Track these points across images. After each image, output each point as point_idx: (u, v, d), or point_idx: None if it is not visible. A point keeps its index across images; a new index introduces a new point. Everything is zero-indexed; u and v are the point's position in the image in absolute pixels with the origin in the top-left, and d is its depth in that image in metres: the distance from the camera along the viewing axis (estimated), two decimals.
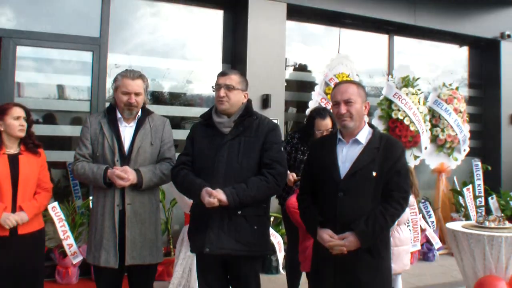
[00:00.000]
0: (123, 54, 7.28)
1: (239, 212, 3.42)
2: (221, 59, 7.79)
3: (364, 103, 3.38)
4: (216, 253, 3.42)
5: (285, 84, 7.73)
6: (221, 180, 3.42)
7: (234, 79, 3.59)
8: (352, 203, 3.23)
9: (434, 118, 8.44)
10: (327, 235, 3.25)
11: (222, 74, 3.64)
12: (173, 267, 5.82)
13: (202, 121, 3.73)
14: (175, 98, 8.05)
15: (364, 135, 3.36)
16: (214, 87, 3.62)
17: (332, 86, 7.38)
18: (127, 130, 3.83)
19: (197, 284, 5.35)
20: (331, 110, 3.46)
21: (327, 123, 5.06)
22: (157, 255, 3.83)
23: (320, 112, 5.14)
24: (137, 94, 3.78)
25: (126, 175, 3.66)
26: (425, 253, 7.90)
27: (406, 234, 4.91)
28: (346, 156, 3.33)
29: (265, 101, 7.09)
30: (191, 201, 5.40)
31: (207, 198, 3.33)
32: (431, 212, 8.26)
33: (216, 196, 3.32)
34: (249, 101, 3.70)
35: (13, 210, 3.81)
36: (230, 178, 3.43)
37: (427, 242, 7.92)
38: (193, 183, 3.47)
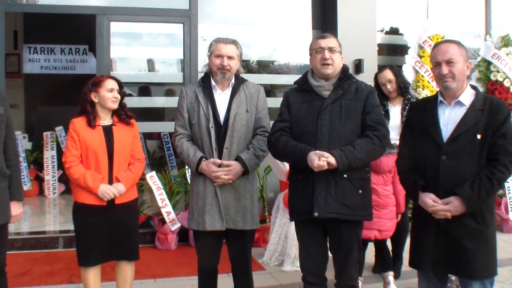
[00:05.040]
0: (211, 25, 7.35)
1: (345, 175, 3.38)
2: (311, 25, 7.69)
3: (466, 62, 3.25)
4: (325, 217, 3.38)
5: (377, 48, 7.55)
6: (326, 143, 3.38)
7: (335, 42, 3.55)
8: (455, 167, 3.12)
9: None
10: (430, 200, 3.17)
11: (322, 37, 3.58)
12: (269, 234, 5.90)
13: (297, 87, 3.69)
14: (263, 67, 8.05)
15: (467, 97, 3.24)
16: (314, 50, 3.56)
17: (426, 48, 7.17)
18: (221, 98, 3.85)
19: (293, 250, 5.45)
20: (434, 72, 3.32)
21: (384, 74, 5.26)
22: (251, 221, 3.84)
23: (380, 67, 5.53)
24: (230, 57, 3.79)
25: (228, 176, 3.70)
26: None
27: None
28: (449, 118, 3.23)
29: (358, 66, 7.00)
30: (287, 168, 5.45)
31: (316, 161, 3.28)
32: None
33: (326, 158, 3.27)
34: (344, 65, 3.64)
35: (110, 181, 3.92)
36: (334, 141, 3.39)
37: None
38: (298, 147, 3.42)
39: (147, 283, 5.15)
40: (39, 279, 5.19)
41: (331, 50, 3.50)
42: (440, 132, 3.20)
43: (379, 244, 4.96)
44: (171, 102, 7.74)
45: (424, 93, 7.04)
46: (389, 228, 4.72)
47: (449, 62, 3.19)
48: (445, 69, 3.19)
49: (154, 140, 9.86)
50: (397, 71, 5.31)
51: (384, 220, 4.63)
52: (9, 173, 3.58)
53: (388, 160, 4.56)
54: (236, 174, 3.72)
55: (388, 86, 5.20)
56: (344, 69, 3.59)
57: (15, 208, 3.65)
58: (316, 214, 3.38)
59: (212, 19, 7.50)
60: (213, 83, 3.87)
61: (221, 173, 3.69)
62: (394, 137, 5.00)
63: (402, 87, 5.21)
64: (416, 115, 3.39)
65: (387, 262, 4.97)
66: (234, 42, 3.88)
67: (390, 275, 4.90)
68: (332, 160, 3.27)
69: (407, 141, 3.43)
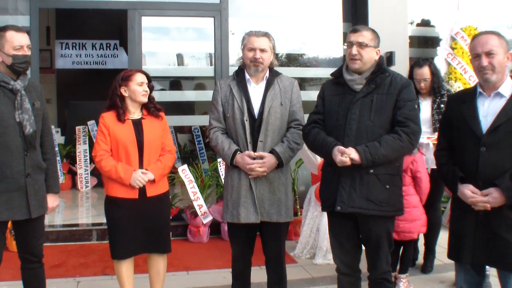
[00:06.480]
0: (240, 18, 7.35)
1: (371, 171, 3.35)
2: (342, 18, 7.64)
3: (506, 54, 3.17)
4: (347, 211, 3.39)
5: (408, 40, 7.46)
6: (353, 138, 3.36)
7: (366, 36, 3.47)
8: (495, 158, 3.07)
9: None
10: (469, 191, 3.13)
11: (354, 31, 3.53)
12: (301, 227, 5.89)
13: (332, 79, 3.67)
14: (292, 60, 8.03)
15: (507, 88, 3.16)
16: (346, 44, 3.54)
17: (459, 40, 7.06)
18: (256, 91, 3.86)
19: (325, 243, 5.44)
20: (473, 63, 3.26)
21: (422, 72, 5.10)
22: (286, 214, 3.85)
23: (418, 61, 5.23)
24: (262, 50, 3.80)
25: (262, 168, 3.72)
26: None
27: None
28: (488, 110, 3.17)
29: (389, 59, 6.92)
30: (319, 162, 5.44)
31: (339, 156, 3.28)
32: None
33: (348, 154, 3.26)
34: (381, 58, 3.58)
35: None
36: (362, 136, 3.36)
37: None
38: (325, 141, 3.43)
39: (180, 275, 5.18)
40: (74, 271, 5.29)
41: (360, 45, 3.44)
42: (479, 124, 3.15)
43: (405, 245, 4.88)
44: (201, 96, 7.80)
45: (457, 85, 6.93)
46: (406, 230, 4.63)
47: (489, 54, 3.12)
48: (484, 61, 3.13)
49: (185, 134, 9.94)
50: (435, 69, 5.18)
51: (398, 221, 4.53)
52: (46, 166, 3.66)
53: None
54: (270, 166, 3.73)
55: (422, 84, 5.10)
56: (379, 62, 3.53)
57: (52, 201, 3.73)
58: (338, 208, 3.39)
59: (241, 12, 7.50)
60: (247, 76, 3.88)
61: (256, 166, 3.70)
62: (425, 130, 4.95)
63: (435, 87, 5.11)
64: (455, 107, 3.34)
65: (405, 264, 4.89)
66: (266, 34, 3.88)
67: (402, 278, 4.82)
68: (355, 156, 3.25)
69: (446, 133, 3.40)
